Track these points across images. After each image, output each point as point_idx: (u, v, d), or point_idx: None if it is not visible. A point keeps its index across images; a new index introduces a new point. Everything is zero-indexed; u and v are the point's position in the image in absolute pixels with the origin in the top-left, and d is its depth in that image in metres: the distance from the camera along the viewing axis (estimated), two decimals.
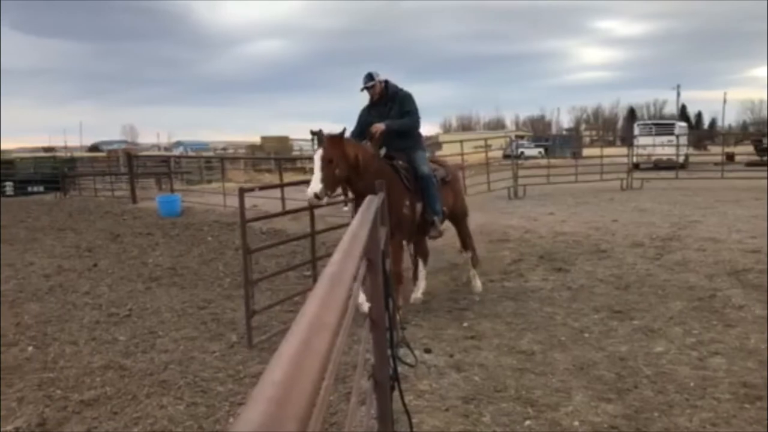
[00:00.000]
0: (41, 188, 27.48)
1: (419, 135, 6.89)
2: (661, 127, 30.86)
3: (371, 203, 2.99)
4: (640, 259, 8.74)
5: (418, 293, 7.03)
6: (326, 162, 5.74)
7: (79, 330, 6.51)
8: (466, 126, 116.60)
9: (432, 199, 6.53)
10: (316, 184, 5.67)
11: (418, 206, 6.51)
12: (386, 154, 6.54)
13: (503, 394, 4.46)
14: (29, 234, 13.98)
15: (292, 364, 0.75)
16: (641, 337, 5.62)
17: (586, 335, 5.71)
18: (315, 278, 6.86)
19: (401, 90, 6.71)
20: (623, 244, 9.81)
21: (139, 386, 4.96)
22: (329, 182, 5.75)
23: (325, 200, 5.79)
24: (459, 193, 7.67)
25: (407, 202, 6.33)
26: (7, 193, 27.07)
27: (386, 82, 6.64)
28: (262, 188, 8.62)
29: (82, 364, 5.50)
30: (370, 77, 6.53)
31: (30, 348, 5.99)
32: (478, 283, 7.44)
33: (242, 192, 6.04)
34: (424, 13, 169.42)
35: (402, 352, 4.38)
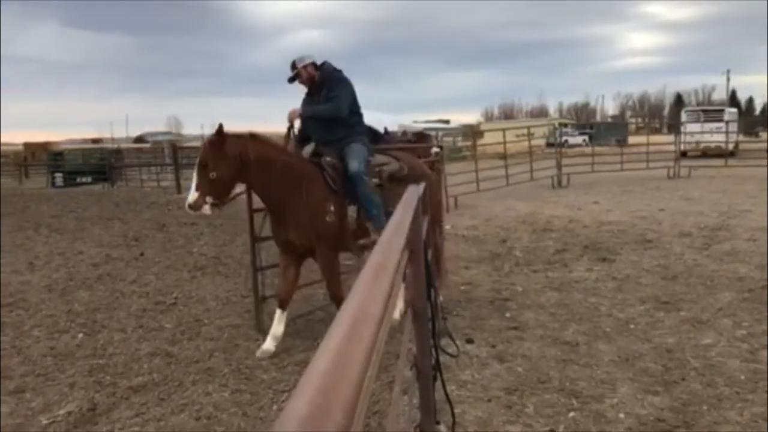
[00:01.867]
0: (89, 179, 28.23)
1: (357, 124, 5.85)
2: (710, 113, 30.12)
3: (413, 193, 2.97)
4: (688, 249, 8.56)
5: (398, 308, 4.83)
6: (201, 167, 5.08)
7: (127, 317, 6.65)
8: (508, 114, 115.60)
9: (366, 200, 5.48)
10: (190, 194, 5.10)
11: (351, 210, 5.54)
12: (315, 149, 5.70)
13: (547, 385, 4.42)
14: (78, 224, 14.34)
15: (338, 354, 0.75)
16: (689, 328, 5.50)
17: (632, 326, 5.62)
18: None
19: (335, 73, 5.78)
20: (670, 234, 9.63)
21: (186, 373, 5.05)
22: (205, 189, 5.05)
23: (206, 208, 5.08)
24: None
25: (331, 208, 5.41)
26: (57, 184, 27.86)
27: (323, 64, 5.80)
28: None
29: (130, 351, 5.63)
30: (293, 65, 5.69)
31: (80, 335, 6.15)
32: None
33: None
34: (465, 1, 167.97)
35: (444, 342, 4.37)
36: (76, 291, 7.89)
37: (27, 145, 52.05)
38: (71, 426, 4.22)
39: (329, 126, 5.67)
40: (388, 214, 5.54)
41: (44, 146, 47.96)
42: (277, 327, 5.50)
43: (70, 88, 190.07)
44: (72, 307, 7.08)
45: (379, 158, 5.97)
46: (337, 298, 5.46)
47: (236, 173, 5.18)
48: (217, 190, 5.12)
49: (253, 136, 5.42)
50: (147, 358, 5.43)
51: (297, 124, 5.84)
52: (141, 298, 7.41)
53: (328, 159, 5.57)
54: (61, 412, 4.41)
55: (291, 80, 5.77)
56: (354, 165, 5.48)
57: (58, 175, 28.81)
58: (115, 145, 50.54)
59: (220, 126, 5.17)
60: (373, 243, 5.75)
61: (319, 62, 5.83)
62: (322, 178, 5.47)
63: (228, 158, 5.08)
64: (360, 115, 5.93)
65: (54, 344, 5.88)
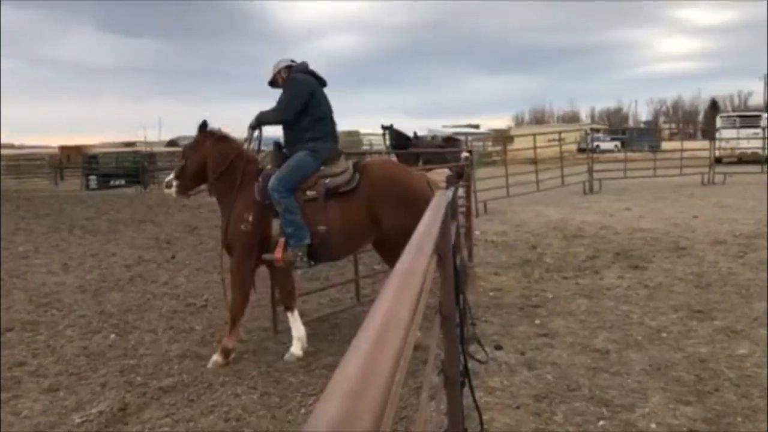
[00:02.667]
0: (123, 182, 28.71)
1: (307, 129, 5.46)
2: (746, 119, 29.53)
3: (442, 198, 2.97)
4: (722, 257, 8.41)
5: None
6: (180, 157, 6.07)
7: (158, 319, 6.73)
8: (539, 119, 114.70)
9: (282, 218, 5.27)
10: (170, 177, 5.91)
11: (276, 223, 5.36)
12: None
13: (576, 393, 4.37)
14: (111, 226, 14.58)
15: (367, 359, 0.75)
16: (723, 338, 5.40)
17: (664, 335, 5.53)
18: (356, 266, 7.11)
19: (291, 74, 5.59)
20: (704, 242, 9.47)
21: (215, 375, 5.09)
22: (177, 176, 5.81)
23: (171, 191, 5.80)
24: (375, 207, 5.37)
25: (249, 218, 5.34)
26: (91, 187, 28.36)
27: (297, 67, 5.71)
28: None
29: (160, 352, 5.69)
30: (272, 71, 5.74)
31: (112, 335, 6.23)
32: None
33: None
34: (495, 5, 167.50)
35: (473, 348, 4.36)
36: (109, 292, 8.01)
37: (62, 148, 53.03)
38: (103, 425, 4.28)
39: (284, 130, 5.69)
40: (316, 234, 5.27)
41: (79, 149, 48.82)
42: (297, 329, 5.51)
43: (105, 92, 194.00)
44: (104, 308, 7.19)
45: (334, 168, 5.47)
46: (234, 306, 5.48)
47: (198, 171, 5.72)
48: (185, 182, 5.81)
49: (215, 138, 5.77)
50: (177, 360, 5.48)
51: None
52: (172, 300, 7.50)
53: (269, 167, 5.52)
54: (93, 411, 4.48)
55: (271, 85, 5.77)
56: (272, 181, 5.30)
57: (92, 178, 29.33)
58: (148, 149, 51.09)
59: (204, 123, 5.79)
60: (290, 264, 5.37)
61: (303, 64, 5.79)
62: (253, 187, 5.47)
63: (189, 158, 5.78)
64: (315, 120, 5.48)
65: (87, 344, 5.97)
